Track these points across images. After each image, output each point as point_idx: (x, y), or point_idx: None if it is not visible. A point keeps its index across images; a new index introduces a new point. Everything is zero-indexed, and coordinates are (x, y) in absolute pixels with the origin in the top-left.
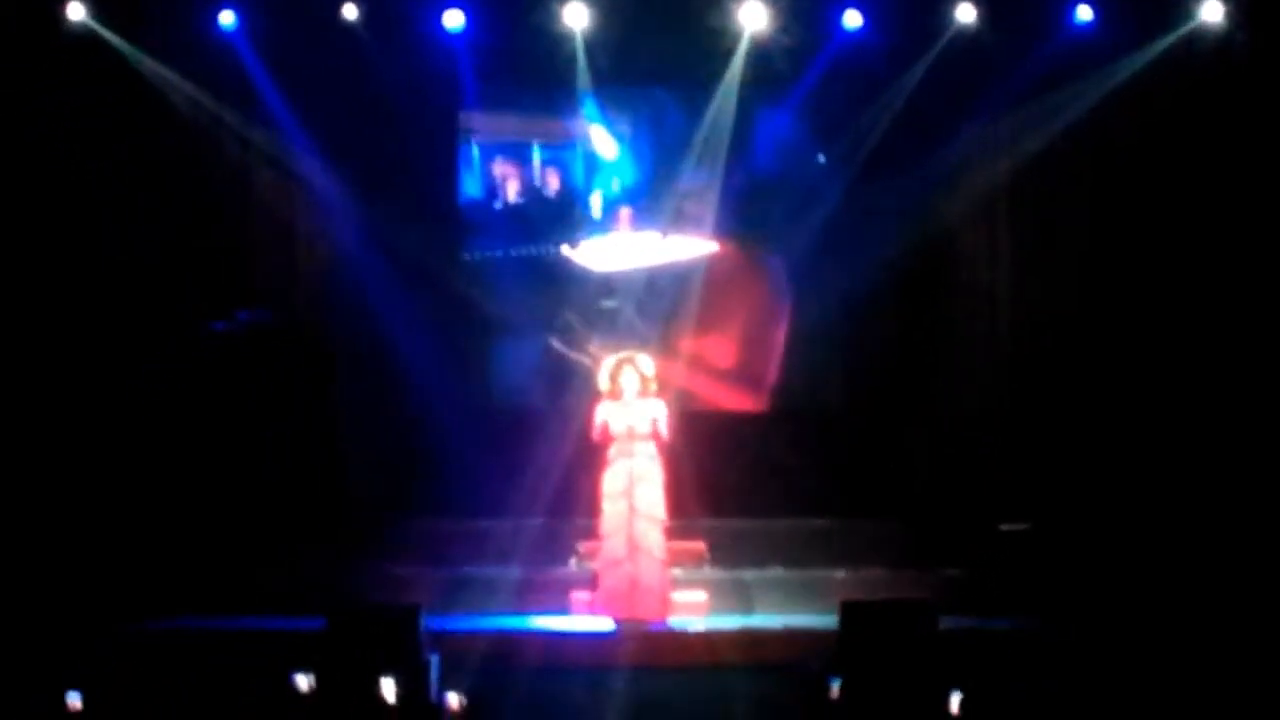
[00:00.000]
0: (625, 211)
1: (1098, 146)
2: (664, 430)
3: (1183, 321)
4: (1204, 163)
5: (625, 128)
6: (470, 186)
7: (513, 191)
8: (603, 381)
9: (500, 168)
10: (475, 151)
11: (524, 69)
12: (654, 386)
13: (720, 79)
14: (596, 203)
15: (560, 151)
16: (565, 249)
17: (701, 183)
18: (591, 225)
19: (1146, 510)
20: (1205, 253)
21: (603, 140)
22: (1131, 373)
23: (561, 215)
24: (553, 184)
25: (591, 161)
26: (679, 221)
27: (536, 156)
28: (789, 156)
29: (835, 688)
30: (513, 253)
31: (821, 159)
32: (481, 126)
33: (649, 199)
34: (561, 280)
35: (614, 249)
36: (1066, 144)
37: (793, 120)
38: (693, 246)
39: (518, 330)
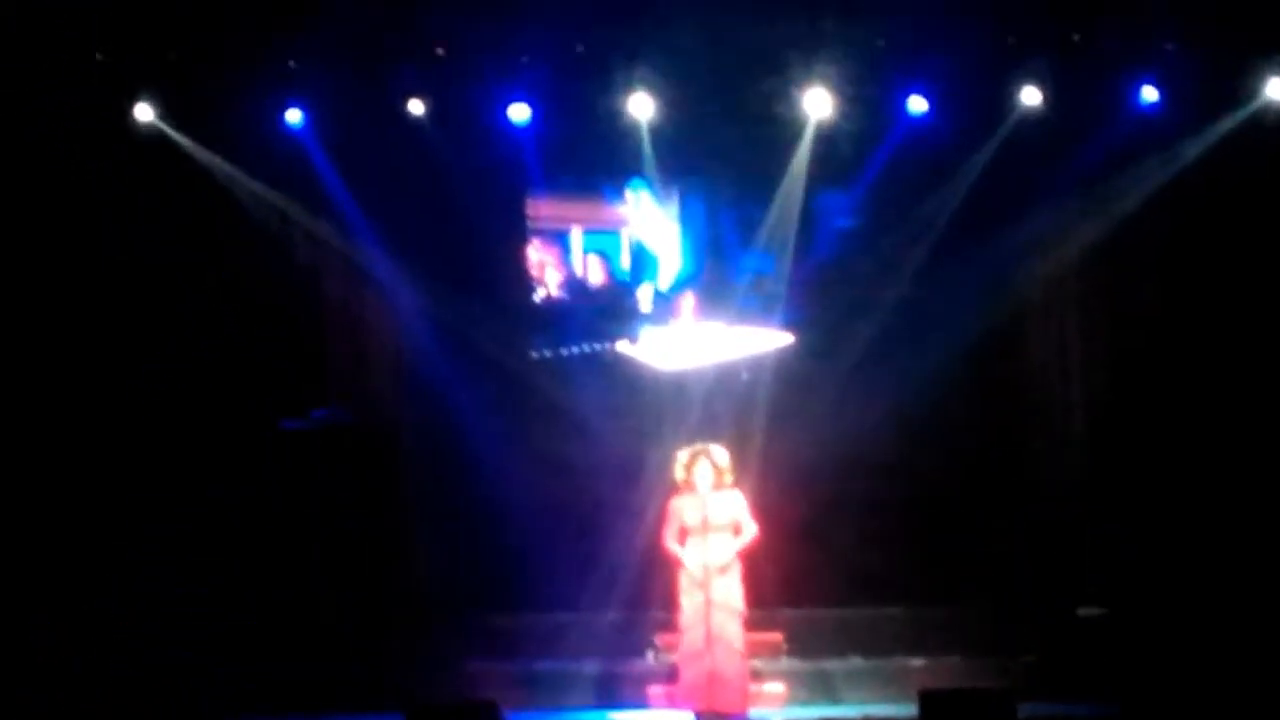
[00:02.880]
0: (688, 300)
1: (1166, 226)
2: (748, 524)
3: (1259, 404)
4: (1273, 242)
5: (674, 213)
6: None
7: (554, 283)
8: (678, 473)
9: (537, 254)
10: None
11: (588, 159)
12: (729, 478)
13: (786, 167)
14: (646, 295)
15: (604, 237)
16: (624, 345)
17: (769, 271)
18: (642, 319)
19: (1226, 596)
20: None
21: (653, 225)
22: (1209, 456)
23: (610, 309)
24: (596, 274)
25: (639, 249)
26: (746, 311)
27: (577, 243)
28: (855, 243)
29: None
30: (563, 353)
31: (889, 245)
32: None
33: (703, 290)
34: (628, 376)
35: (679, 343)
36: (1135, 224)
37: (858, 206)
38: (765, 339)
39: (589, 423)
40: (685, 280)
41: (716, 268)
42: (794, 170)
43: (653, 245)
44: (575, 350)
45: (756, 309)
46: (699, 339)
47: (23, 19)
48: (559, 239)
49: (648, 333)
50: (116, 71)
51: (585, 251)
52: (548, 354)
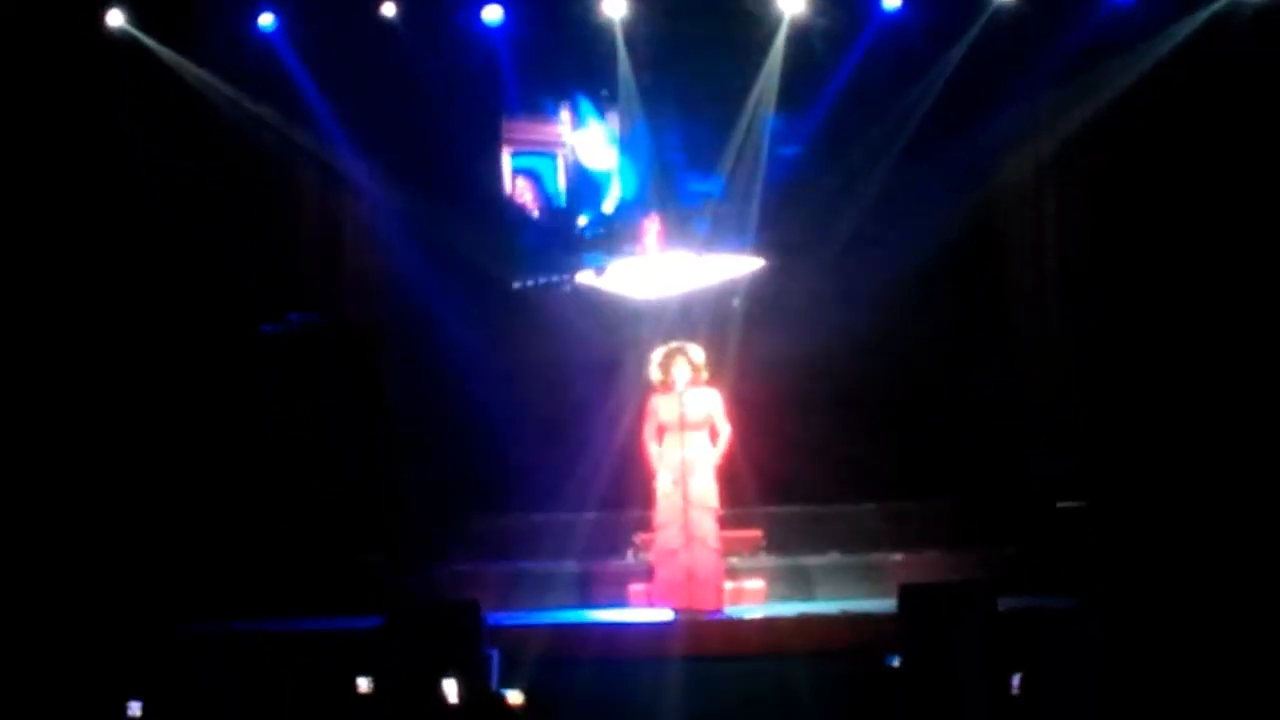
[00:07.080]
0: (654, 226)
1: (1141, 120)
2: (722, 423)
3: (1235, 294)
4: (1245, 135)
5: (614, 134)
6: None
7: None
8: (654, 373)
9: None
10: None
11: (560, 64)
12: (705, 375)
13: (756, 71)
14: (584, 220)
15: (534, 159)
16: (587, 277)
17: (718, 194)
18: (592, 247)
19: (1205, 486)
20: (1251, 225)
21: (594, 145)
22: (1187, 348)
23: (550, 236)
24: (525, 197)
25: (578, 171)
26: (707, 237)
27: (506, 164)
28: (823, 147)
29: (894, 667)
30: (515, 286)
31: (861, 145)
32: None
33: (655, 212)
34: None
35: (647, 273)
36: (1110, 119)
37: (825, 116)
38: (737, 264)
39: (568, 326)
40: (630, 205)
41: (663, 191)
42: (767, 71)
43: (594, 167)
44: (533, 283)
45: (709, 234)
46: (667, 268)
47: None
48: None
49: (615, 265)
50: None
51: (514, 173)
52: (516, 285)
